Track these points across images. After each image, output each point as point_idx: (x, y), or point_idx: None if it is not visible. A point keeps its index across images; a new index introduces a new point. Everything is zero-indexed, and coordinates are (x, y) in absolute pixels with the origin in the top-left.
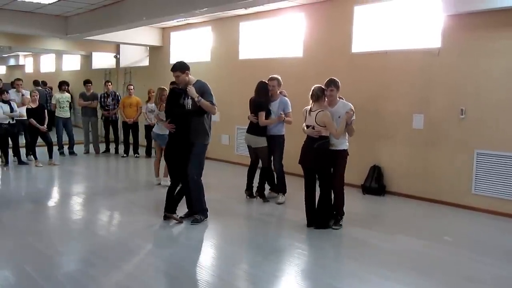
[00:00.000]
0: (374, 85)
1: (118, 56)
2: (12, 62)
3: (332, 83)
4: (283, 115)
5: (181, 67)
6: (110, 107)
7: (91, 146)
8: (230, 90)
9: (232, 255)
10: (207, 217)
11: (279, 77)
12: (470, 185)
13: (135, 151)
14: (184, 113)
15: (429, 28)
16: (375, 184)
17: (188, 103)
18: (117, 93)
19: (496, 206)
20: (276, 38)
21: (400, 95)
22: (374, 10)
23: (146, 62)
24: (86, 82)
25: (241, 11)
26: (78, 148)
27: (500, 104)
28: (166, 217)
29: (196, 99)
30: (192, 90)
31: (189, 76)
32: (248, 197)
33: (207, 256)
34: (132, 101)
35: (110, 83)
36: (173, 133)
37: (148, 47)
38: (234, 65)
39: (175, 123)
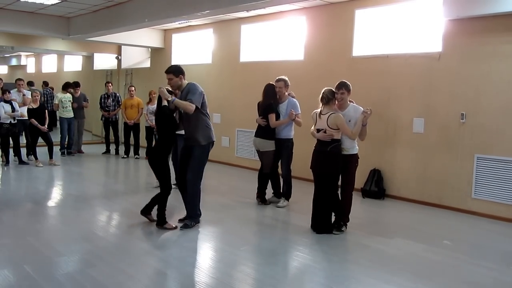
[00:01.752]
0: (375, 89)
1: (119, 57)
2: (14, 62)
3: (343, 86)
4: (294, 113)
5: (175, 71)
6: (110, 108)
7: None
8: (231, 93)
9: (233, 258)
10: (199, 222)
11: (286, 78)
12: (470, 190)
13: (136, 152)
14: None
15: (430, 33)
16: (375, 187)
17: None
18: (118, 94)
19: (496, 211)
20: (277, 41)
21: (400, 99)
22: (375, 14)
23: (147, 64)
24: (75, 85)
25: (243, 14)
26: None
27: (500, 108)
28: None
29: (169, 98)
30: (164, 91)
31: (183, 80)
32: (261, 203)
33: (207, 259)
34: (133, 102)
35: (110, 84)
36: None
37: (149, 49)
38: (235, 68)
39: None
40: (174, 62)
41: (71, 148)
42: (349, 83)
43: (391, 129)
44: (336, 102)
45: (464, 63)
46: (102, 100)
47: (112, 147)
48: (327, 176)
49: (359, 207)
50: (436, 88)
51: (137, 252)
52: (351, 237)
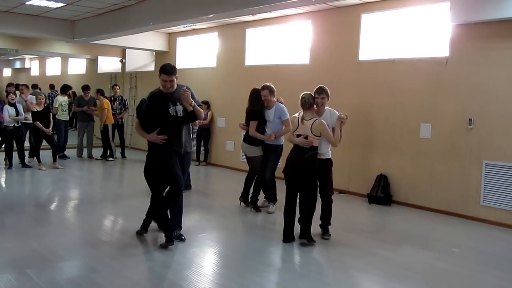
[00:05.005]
0: (381, 93)
1: (124, 61)
2: (17, 65)
3: (323, 91)
4: (273, 135)
5: (176, 71)
6: (117, 111)
7: (85, 150)
8: (236, 97)
9: (236, 264)
10: None
11: (271, 85)
12: (478, 197)
13: (122, 154)
14: (178, 121)
15: (437, 37)
16: (381, 193)
17: (179, 109)
18: (124, 98)
19: (505, 218)
20: (282, 44)
21: (407, 104)
22: (381, 18)
23: (151, 67)
24: (85, 88)
25: (248, 18)
26: (71, 152)
27: (509, 114)
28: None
29: (192, 104)
30: (189, 95)
31: None
32: (242, 203)
33: (210, 264)
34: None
35: (117, 87)
36: (161, 145)
37: (154, 52)
38: (240, 71)
39: (167, 133)
40: (179, 65)
41: (64, 150)
42: (327, 88)
43: (398, 134)
44: (315, 107)
45: (472, 68)
46: None
47: (117, 150)
48: (305, 181)
49: (366, 213)
50: (443, 93)
51: (141, 257)
52: (358, 244)
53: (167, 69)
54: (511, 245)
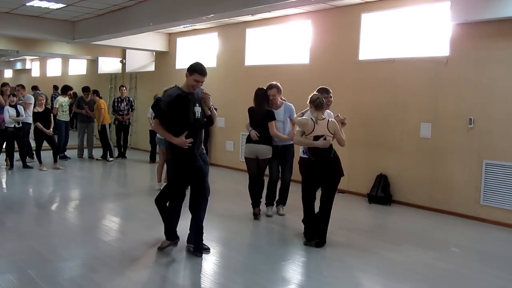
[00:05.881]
0: (381, 93)
1: (124, 61)
2: (18, 66)
3: (330, 91)
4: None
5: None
6: (124, 112)
7: (85, 150)
8: (236, 97)
9: (236, 263)
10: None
11: (278, 84)
12: (479, 196)
13: (111, 154)
14: (200, 124)
15: (437, 37)
16: (381, 193)
17: (197, 111)
18: (131, 99)
19: (505, 218)
20: (282, 44)
21: (407, 103)
22: (381, 17)
23: (152, 68)
24: (85, 89)
25: (248, 18)
26: (72, 152)
27: (509, 113)
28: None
29: (213, 106)
30: (210, 99)
31: None
32: (257, 216)
33: (211, 264)
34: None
35: (124, 88)
36: (187, 149)
37: (154, 53)
38: (240, 72)
39: (192, 136)
40: (179, 66)
41: (64, 151)
42: None
43: (398, 134)
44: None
45: (472, 67)
46: (116, 104)
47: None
48: (337, 181)
49: (366, 213)
50: (443, 92)
51: (141, 257)
52: (358, 244)
53: (203, 70)
54: (511, 245)
